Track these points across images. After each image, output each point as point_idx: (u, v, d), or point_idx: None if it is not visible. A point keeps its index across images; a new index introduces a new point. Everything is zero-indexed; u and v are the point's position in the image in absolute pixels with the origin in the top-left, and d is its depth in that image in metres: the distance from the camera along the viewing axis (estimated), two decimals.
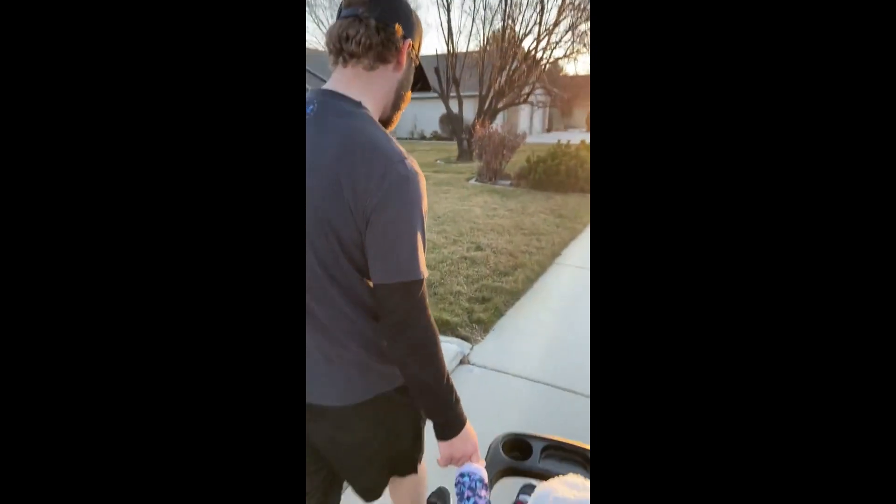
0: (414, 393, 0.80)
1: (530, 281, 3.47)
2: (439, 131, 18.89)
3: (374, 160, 0.66)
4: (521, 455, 0.97)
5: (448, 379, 0.79)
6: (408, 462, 0.99)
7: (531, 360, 2.40)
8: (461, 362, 2.36)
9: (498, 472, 0.93)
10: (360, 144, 0.67)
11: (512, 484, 1.01)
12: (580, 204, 6.04)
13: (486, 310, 2.89)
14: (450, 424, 0.82)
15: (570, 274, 3.76)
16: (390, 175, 0.66)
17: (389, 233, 0.67)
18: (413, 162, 0.70)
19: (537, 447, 0.97)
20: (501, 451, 0.98)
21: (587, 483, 0.71)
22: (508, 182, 7.68)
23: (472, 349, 2.50)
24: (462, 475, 0.85)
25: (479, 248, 4.12)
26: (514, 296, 3.19)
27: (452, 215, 5.25)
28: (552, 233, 4.63)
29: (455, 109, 12.44)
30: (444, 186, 7.27)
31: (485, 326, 2.73)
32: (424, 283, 0.70)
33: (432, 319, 0.74)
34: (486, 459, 0.94)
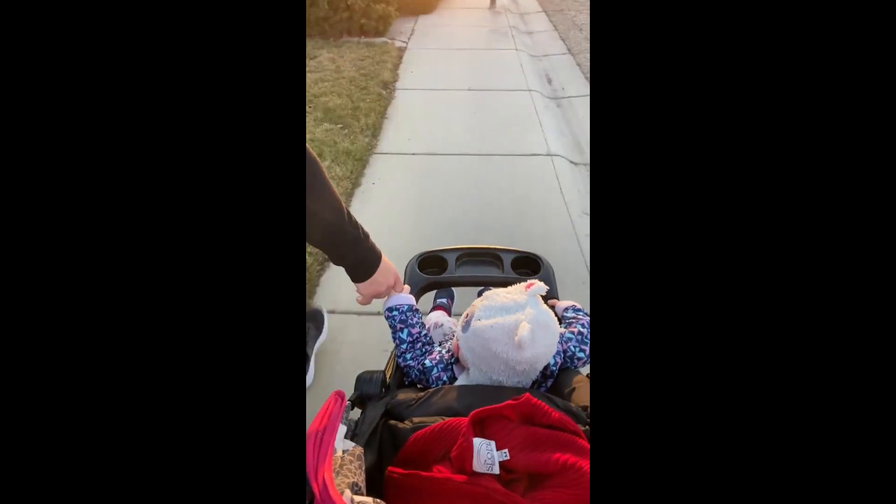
0: (316, 236, 0.67)
1: None
2: None
3: None
4: (437, 270, 0.99)
5: (349, 214, 0.70)
6: None
7: None
8: None
9: (419, 289, 0.94)
10: None
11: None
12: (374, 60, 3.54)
13: None
14: (365, 262, 0.74)
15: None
16: None
17: None
18: None
19: (451, 258, 0.98)
20: (418, 269, 0.98)
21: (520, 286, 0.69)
22: None
23: None
24: (390, 310, 0.80)
25: None
26: None
27: None
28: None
29: None
30: None
31: None
32: None
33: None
34: (404, 281, 0.91)
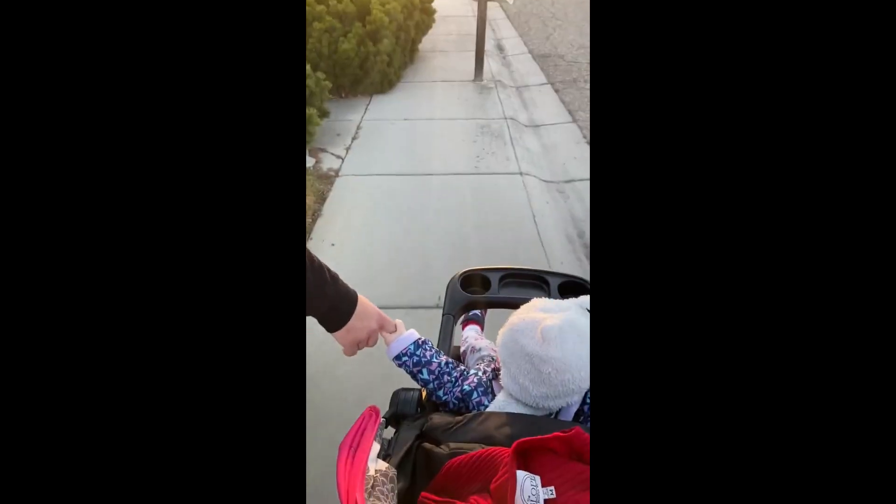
0: None
1: None
2: None
3: None
4: (480, 289, 0.95)
5: (312, 256, 0.60)
6: None
7: None
8: None
9: (461, 307, 0.91)
10: None
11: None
12: None
13: None
14: (338, 308, 0.64)
15: None
16: None
17: None
18: None
19: (495, 278, 0.95)
20: (460, 287, 0.94)
21: (560, 302, 0.68)
22: None
23: None
24: (398, 357, 0.71)
25: None
26: None
27: None
28: None
29: None
30: None
31: None
32: None
33: None
34: (446, 298, 0.91)
